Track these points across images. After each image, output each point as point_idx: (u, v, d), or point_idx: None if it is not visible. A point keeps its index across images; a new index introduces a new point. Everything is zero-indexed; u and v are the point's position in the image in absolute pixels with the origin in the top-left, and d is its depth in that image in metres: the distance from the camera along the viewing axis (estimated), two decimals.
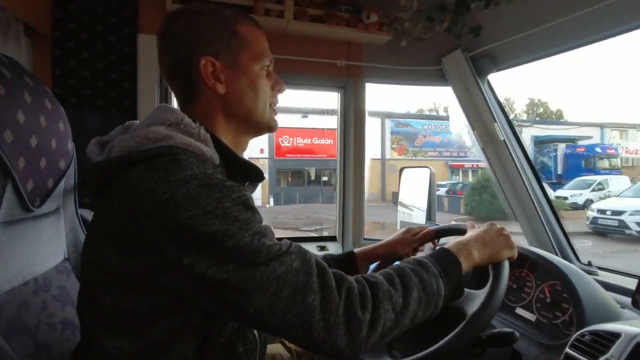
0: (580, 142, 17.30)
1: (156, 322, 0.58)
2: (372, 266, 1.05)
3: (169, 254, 0.53)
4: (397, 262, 1.07)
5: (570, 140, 17.13)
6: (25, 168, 0.68)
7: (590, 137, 17.84)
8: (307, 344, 0.56)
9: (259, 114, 0.73)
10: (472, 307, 0.74)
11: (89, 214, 1.08)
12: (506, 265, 0.78)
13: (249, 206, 0.58)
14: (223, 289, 0.53)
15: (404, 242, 1.02)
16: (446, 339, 0.71)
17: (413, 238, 1.02)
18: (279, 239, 0.60)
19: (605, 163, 15.91)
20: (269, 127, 0.76)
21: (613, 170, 15.38)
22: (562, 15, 1.26)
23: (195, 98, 0.70)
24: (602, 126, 20.08)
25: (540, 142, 15.04)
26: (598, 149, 16.46)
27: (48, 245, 0.81)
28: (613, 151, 16.52)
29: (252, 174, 0.70)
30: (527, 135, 15.67)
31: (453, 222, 1.05)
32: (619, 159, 16.35)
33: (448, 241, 1.21)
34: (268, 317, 0.54)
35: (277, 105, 0.78)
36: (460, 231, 0.92)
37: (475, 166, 16.98)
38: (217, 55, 0.68)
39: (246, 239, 0.54)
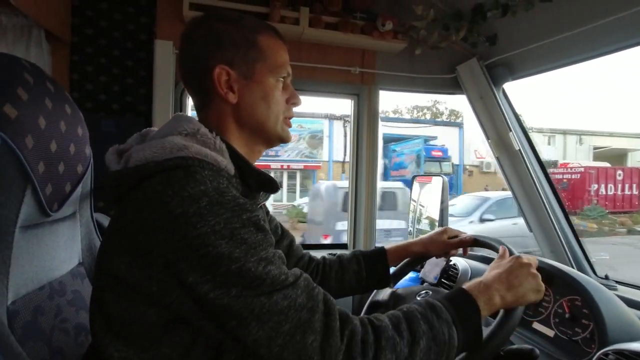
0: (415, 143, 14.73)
1: (163, 336, 0.57)
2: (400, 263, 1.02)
3: (175, 270, 0.52)
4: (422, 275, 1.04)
5: (404, 140, 14.78)
6: (45, 173, 0.68)
7: (434, 138, 15.15)
8: None
9: (271, 126, 0.72)
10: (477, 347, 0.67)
11: (103, 218, 1.09)
12: (520, 309, 0.70)
13: (260, 227, 0.56)
14: (223, 314, 0.52)
15: (438, 243, 0.98)
16: None
17: (449, 241, 0.98)
18: None
19: (430, 166, 13.39)
20: (280, 139, 0.74)
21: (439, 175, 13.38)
22: (579, 25, 1.24)
23: (208, 104, 0.70)
24: (460, 126, 18.10)
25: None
26: (422, 151, 13.89)
27: (64, 249, 0.81)
28: (440, 153, 13.87)
29: (266, 184, 0.69)
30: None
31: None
32: (449, 164, 13.75)
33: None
34: (264, 351, 0.52)
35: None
36: (493, 248, 0.86)
37: (286, 167, 14.47)
38: (232, 64, 0.67)
39: (250, 264, 0.52)
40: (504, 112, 1.62)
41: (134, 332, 0.57)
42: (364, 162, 1.83)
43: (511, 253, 0.80)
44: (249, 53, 0.68)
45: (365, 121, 1.81)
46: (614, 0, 1.14)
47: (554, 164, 15.21)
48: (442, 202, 1.64)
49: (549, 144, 20.07)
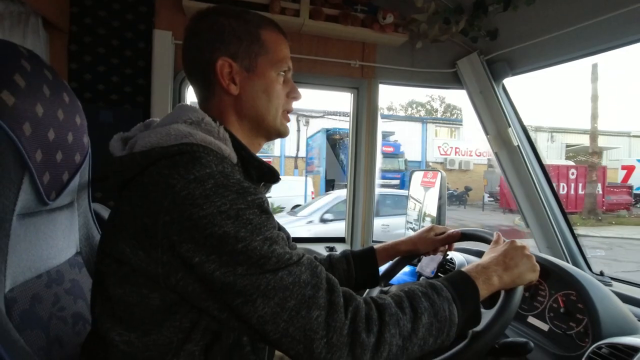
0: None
1: (165, 320, 0.58)
2: (389, 263, 1.04)
3: (181, 251, 0.53)
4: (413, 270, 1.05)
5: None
6: (43, 161, 0.68)
7: (391, 133, 14.59)
8: None
9: (270, 119, 0.73)
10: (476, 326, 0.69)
11: (101, 209, 1.09)
12: (520, 289, 0.73)
13: (264, 210, 0.57)
14: (229, 293, 0.53)
15: (426, 241, 1.00)
16: (443, 356, 0.68)
17: (436, 237, 1.00)
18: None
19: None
20: (278, 133, 0.76)
21: (391, 172, 12.05)
22: (581, 20, 1.24)
23: (210, 96, 0.71)
24: (423, 121, 18.17)
25: (330, 135, 10.56)
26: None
27: (62, 238, 0.81)
28: (391, 149, 12.92)
29: (267, 174, 0.71)
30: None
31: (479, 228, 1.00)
32: (402, 160, 12.87)
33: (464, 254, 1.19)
34: (270, 327, 0.53)
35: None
36: (485, 239, 0.87)
37: None
38: (235, 57, 0.69)
39: (256, 243, 0.53)
40: (504, 107, 1.62)
41: (136, 316, 0.58)
42: (363, 157, 1.82)
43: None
44: (251, 47, 0.70)
45: (364, 115, 1.81)
46: None
47: None
48: (439, 198, 1.64)
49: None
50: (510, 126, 1.61)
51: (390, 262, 1.04)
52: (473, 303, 0.66)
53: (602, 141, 17.20)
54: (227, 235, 0.52)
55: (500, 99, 1.62)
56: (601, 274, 1.40)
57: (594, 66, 12.23)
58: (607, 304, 0.92)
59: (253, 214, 0.55)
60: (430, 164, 16.93)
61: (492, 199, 15.47)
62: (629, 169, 14.63)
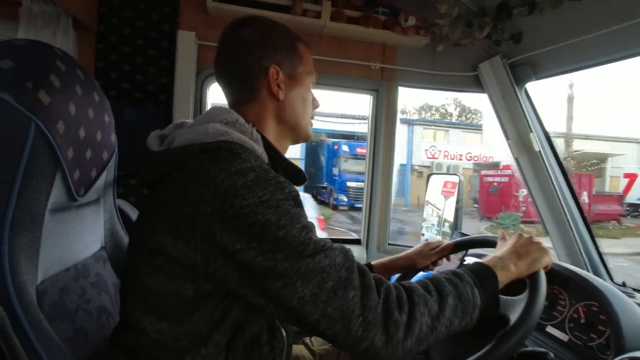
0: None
1: (197, 310, 0.60)
2: (392, 278, 1.06)
3: (222, 240, 0.55)
4: (418, 275, 1.07)
5: (337, 137, 14.18)
6: (74, 158, 0.70)
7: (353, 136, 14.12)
8: (345, 340, 0.57)
9: (304, 124, 0.79)
10: (515, 313, 0.72)
11: (124, 205, 1.12)
12: (542, 273, 0.77)
13: (299, 203, 0.61)
14: (269, 277, 0.55)
15: (423, 255, 1.04)
16: (490, 346, 0.69)
17: (432, 251, 1.04)
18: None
19: (354, 165, 12.83)
20: (307, 137, 0.82)
21: (353, 175, 12.00)
22: (608, 25, 1.21)
23: (252, 100, 0.75)
24: (409, 123, 17.42)
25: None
26: (345, 147, 13.44)
27: (88, 233, 0.83)
28: (364, 150, 12.61)
29: (295, 175, 0.75)
30: None
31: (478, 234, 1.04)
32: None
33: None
34: (310, 307, 0.55)
35: None
36: (486, 243, 0.90)
37: None
38: (281, 65, 0.74)
39: (295, 231, 0.56)
40: (526, 112, 1.60)
41: (169, 306, 0.60)
42: (381, 159, 1.82)
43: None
44: (293, 57, 0.76)
45: (383, 117, 1.80)
46: None
47: (496, 165, 14.18)
48: (457, 202, 1.63)
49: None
50: (532, 131, 1.58)
51: (393, 279, 1.05)
52: (493, 288, 0.70)
53: (606, 147, 16.34)
54: (269, 223, 0.55)
55: (522, 103, 1.60)
56: (623, 284, 1.37)
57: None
58: (630, 316, 0.89)
59: (290, 205, 0.58)
60: (417, 167, 16.55)
61: (476, 205, 14.27)
62: (632, 177, 13.32)
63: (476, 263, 0.74)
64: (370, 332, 0.56)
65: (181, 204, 0.58)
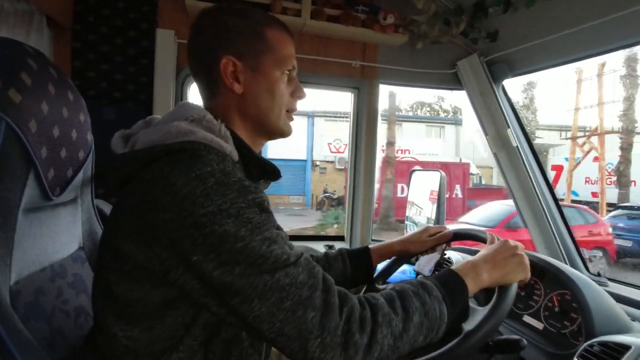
0: None
1: (167, 315, 0.59)
2: (386, 262, 1.05)
3: (180, 249, 0.54)
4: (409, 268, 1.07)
5: None
6: (47, 158, 0.69)
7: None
8: (302, 359, 0.56)
9: (273, 119, 0.73)
10: (469, 324, 0.72)
11: (103, 205, 1.11)
12: (513, 287, 0.74)
13: (264, 209, 0.58)
14: (226, 292, 0.54)
15: (420, 242, 1.01)
16: (437, 352, 0.69)
17: (427, 239, 1.01)
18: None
19: None
20: (281, 132, 0.76)
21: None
22: (580, 22, 1.25)
23: (214, 94, 0.72)
24: (309, 115, 15.14)
25: None
26: None
27: (65, 233, 0.82)
28: None
29: (268, 171, 0.71)
30: None
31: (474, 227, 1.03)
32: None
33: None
34: (266, 326, 0.54)
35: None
36: (479, 238, 0.89)
37: None
38: (239, 55, 0.69)
39: (255, 243, 0.54)
40: (503, 108, 1.63)
41: (138, 312, 0.58)
42: (362, 156, 1.84)
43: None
44: (256, 45, 0.70)
45: (364, 115, 1.82)
46: None
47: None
48: (438, 198, 1.65)
49: (439, 135, 17.50)
50: (509, 127, 1.62)
51: (387, 261, 1.06)
52: (462, 300, 0.68)
53: (549, 138, 15.31)
54: (227, 234, 0.53)
55: (499, 100, 1.63)
56: (598, 274, 1.42)
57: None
58: (600, 304, 0.93)
59: (253, 212, 0.56)
60: (318, 162, 15.39)
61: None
62: (558, 169, 11.88)
63: (448, 271, 0.72)
64: (327, 355, 0.55)
65: (142, 209, 0.56)
